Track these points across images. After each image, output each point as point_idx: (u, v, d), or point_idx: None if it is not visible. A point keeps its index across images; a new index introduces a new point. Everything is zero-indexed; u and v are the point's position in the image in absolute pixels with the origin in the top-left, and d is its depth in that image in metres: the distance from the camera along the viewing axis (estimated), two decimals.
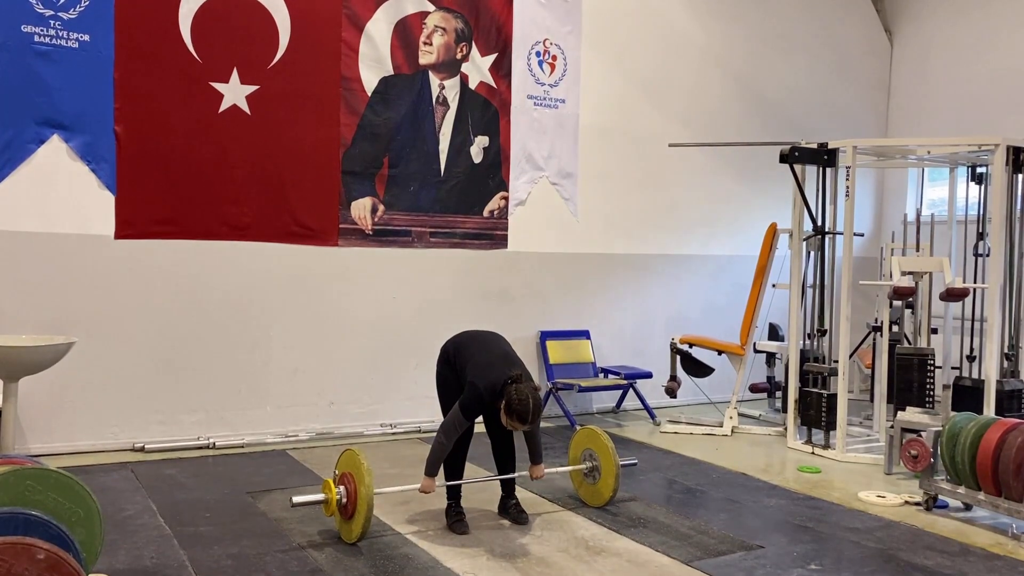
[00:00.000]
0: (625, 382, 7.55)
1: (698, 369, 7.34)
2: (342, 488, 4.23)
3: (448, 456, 4.44)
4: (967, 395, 6.29)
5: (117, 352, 5.87)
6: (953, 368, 6.77)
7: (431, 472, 4.37)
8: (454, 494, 4.59)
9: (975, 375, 6.55)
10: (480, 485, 5.11)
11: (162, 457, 5.77)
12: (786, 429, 6.76)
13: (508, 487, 4.74)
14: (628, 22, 7.92)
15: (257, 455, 5.95)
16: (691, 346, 7.33)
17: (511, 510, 4.67)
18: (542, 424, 7.17)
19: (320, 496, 4.30)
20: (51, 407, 5.66)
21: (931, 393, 6.06)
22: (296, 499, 4.28)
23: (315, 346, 6.57)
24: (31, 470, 3.08)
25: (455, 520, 4.49)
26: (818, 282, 6.53)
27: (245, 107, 6.19)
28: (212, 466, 5.63)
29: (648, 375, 7.55)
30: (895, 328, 6.59)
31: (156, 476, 5.29)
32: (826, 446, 6.33)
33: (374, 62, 6.67)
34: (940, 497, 5.01)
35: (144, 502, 4.75)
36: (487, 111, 7.19)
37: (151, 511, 4.60)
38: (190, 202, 6.04)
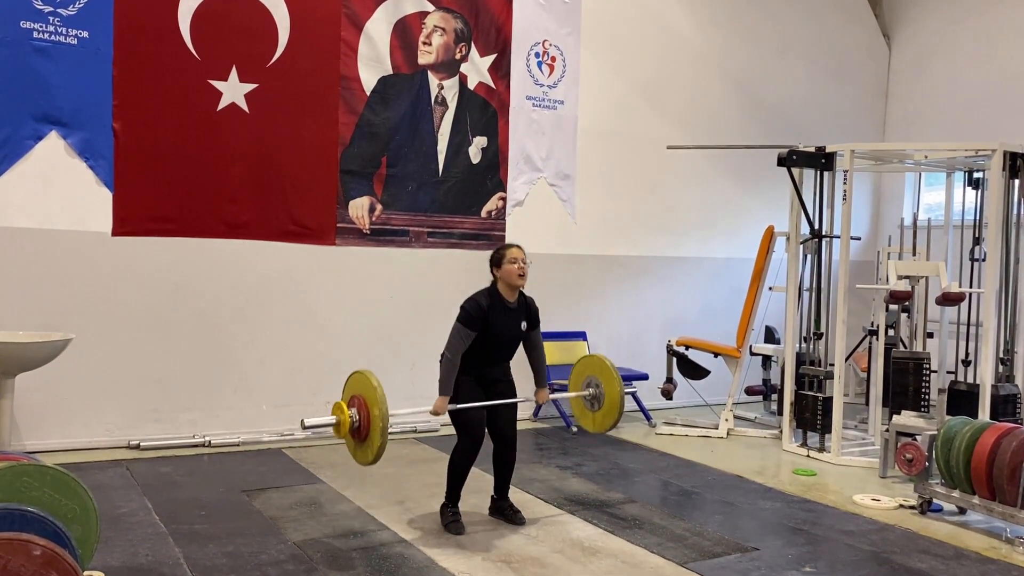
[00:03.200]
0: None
1: (694, 371, 7.34)
2: (354, 410, 4.14)
3: (455, 466, 4.46)
4: (962, 399, 6.30)
5: (113, 349, 5.86)
6: (948, 372, 6.78)
7: (445, 391, 4.36)
8: (452, 498, 4.55)
9: (970, 379, 6.56)
10: (476, 487, 5.10)
11: (158, 455, 5.77)
12: (781, 432, 6.77)
13: (502, 491, 4.72)
14: (627, 24, 7.93)
15: (253, 453, 5.95)
16: (687, 348, 7.34)
17: (507, 511, 4.66)
18: (538, 426, 7.20)
19: (332, 419, 4.20)
20: (47, 404, 5.65)
21: (926, 397, 6.07)
22: (308, 421, 4.15)
23: (311, 345, 6.57)
24: (27, 466, 3.07)
25: (451, 520, 4.49)
26: (815, 285, 6.55)
27: (244, 105, 6.18)
28: (207, 464, 5.63)
29: (644, 377, 7.55)
30: (891, 332, 6.60)
31: (151, 474, 5.29)
32: (821, 449, 6.34)
33: (373, 62, 6.67)
34: (935, 501, 5.02)
35: (139, 500, 4.75)
36: (486, 112, 7.19)
37: (146, 508, 4.60)
38: (188, 200, 6.04)
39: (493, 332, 4.43)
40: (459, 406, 4.41)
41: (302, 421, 4.18)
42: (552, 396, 4.86)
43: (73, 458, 5.48)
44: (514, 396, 4.63)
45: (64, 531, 2.87)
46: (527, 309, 4.60)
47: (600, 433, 4.88)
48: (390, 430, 5.89)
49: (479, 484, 5.08)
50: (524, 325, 4.56)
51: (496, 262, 4.49)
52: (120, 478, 5.17)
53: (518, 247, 4.52)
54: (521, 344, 4.64)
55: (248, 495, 4.94)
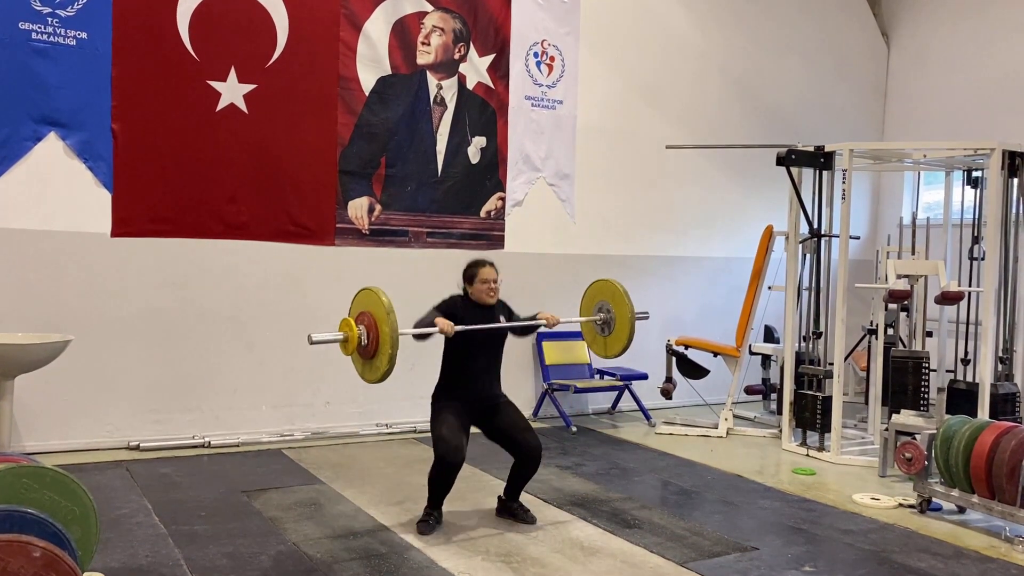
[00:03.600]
0: (621, 383, 7.56)
1: (694, 371, 7.35)
2: (362, 327, 4.10)
3: (432, 482, 4.43)
4: (961, 398, 6.31)
5: (113, 350, 5.86)
6: (948, 371, 6.79)
7: (431, 316, 4.39)
8: (433, 504, 4.50)
9: (969, 378, 6.57)
10: (476, 486, 5.11)
11: (157, 456, 5.77)
12: (781, 431, 6.77)
13: (515, 492, 4.69)
14: (626, 24, 7.93)
15: (252, 454, 5.95)
16: (687, 348, 7.35)
17: (516, 512, 4.64)
18: (538, 425, 7.20)
19: (340, 335, 4.17)
20: (46, 405, 5.65)
21: (925, 396, 6.08)
22: (315, 336, 4.11)
23: (311, 346, 6.55)
24: (27, 468, 3.07)
25: (421, 519, 4.44)
26: (814, 285, 6.55)
27: (243, 106, 6.18)
28: (207, 465, 5.63)
29: (644, 376, 7.56)
30: (890, 331, 6.61)
31: (151, 475, 5.29)
32: (821, 448, 6.34)
33: (372, 62, 6.67)
34: (934, 500, 5.03)
35: (139, 501, 4.75)
36: (485, 112, 7.19)
37: (146, 510, 4.60)
38: (187, 200, 6.04)
39: (470, 327, 4.43)
40: (462, 328, 4.37)
41: (309, 336, 4.13)
42: (563, 320, 4.74)
43: (73, 459, 5.48)
44: (517, 410, 4.62)
45: (64, 533, 2.87)
46: (503, 309, 4.65)
47: (610, 358, 4.87)
48: (386, 430, 5.90)
49: (479, 485, 5.09)
50: (503, 319, 4.59)
51: (468, 279, 4.58)
52: (120, 479, 5.17)
53: (491, 265, 4.57)
54: (518, 338, 4.63)
55: (248, 496, 4.94)
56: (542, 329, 4.81)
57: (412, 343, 6.85)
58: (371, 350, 4.10)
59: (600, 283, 5.05)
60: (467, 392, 4.51)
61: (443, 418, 4.42)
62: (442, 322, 4.33)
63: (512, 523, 4.59)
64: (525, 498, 4.87)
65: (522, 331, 4.80)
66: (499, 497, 4.74)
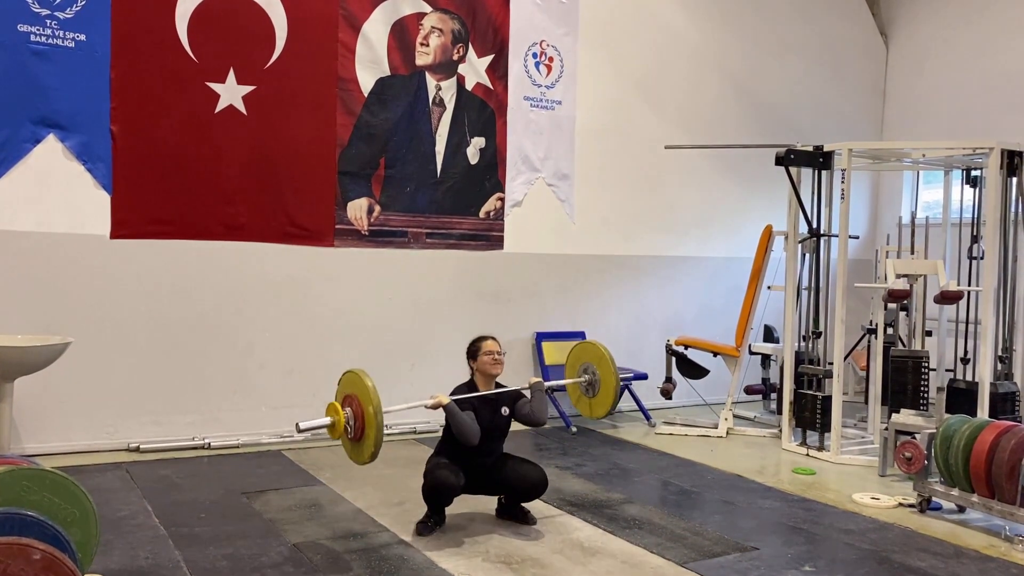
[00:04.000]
0: (620, 383, 7.55)
1: (693, 371, 7.35)
2: (348, 410, 4.15)
3: (428, 500, 4.44)
4: (961, 397, 6.31)
5: (112, 352, 5.86)
6: (947, 370, 6.79)
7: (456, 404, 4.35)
8: (437, 510, 4.51)
9: (969, 377, 6.57)
10: None
11: (157, 457, 5.77)
12: (781, 431, 6.77)
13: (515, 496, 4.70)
14: (625, 24, 7.93)
15: (252, 455, 5.95)
16: (686, 348, 7.35)
17: (516, 513, 4.64)
18: None
19: (327, 420, 4.20)
20: (46, 407, 5.65)
21: (925, 395, 6.08)
22: (303, 424, 4.15)
23: (310, 347, 6.57)
24: (27, 470, 3.07)
25: (421, 520, 4.46)
26: (813, 284, 6.55)
27: (241, 107, 6.18)
28: (207, 466, 5.63)
29: (643, 376, 7.56)
30: (890, 330, 6.61)
31: (151, 476, 5.29)
32: (821, 448, 6.34)
33: (371, 63, 6.67)
34: (934, 499, 5.03)
35: (139, 502, 4.75)
36: (483, 112, 7.19)
37: (146, 511, 4.60)
38: (186, 202, 6.03)
39: (477, 417, 4.41)
40: (459, 396, 4.41)
41: (297, 424, 4.19)
42: (548, 384, 4.84)
43: (73, 461, 5.48)
44: (516, 457, 4.64)
45: (64, 535, 2.88)
46: (510, 396, 4.60)
47: (596, 419, 4.94)
48: (386, 431, 5.90)
49: None
50: (506, 411, 4.57)
51: (472, 355, 4.59)
52: (120, 481, 5.17)
53: (492, 339, 4.59)
54: (520, 422, 4.63)
55: (248, 497, 4.94)
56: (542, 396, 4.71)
57: (411, 344, 6.88)
58: (358, 432, 4.15)
59: (584, 345, 5.14)
60: (467, 466, 4.48)
61: (439, 462, 4.44)
62: (438, 398, 4.36)
63: (512, 524, 4.59)
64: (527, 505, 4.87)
65: (525, 419, 4.61)
66: (499, 499, 4.74)
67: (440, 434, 4.69)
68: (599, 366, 4.89)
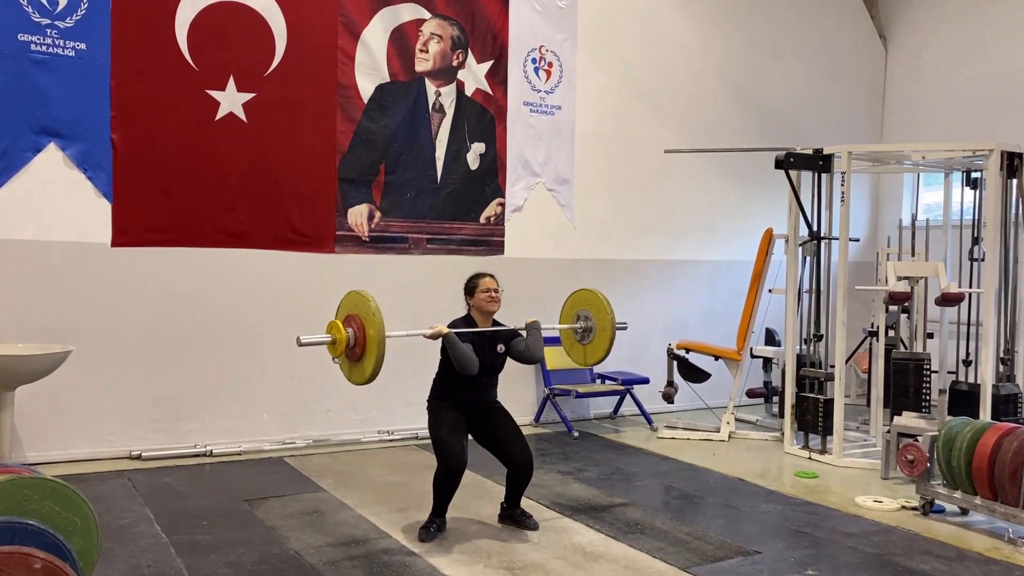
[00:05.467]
0: (622, 388, 7.56)
1: (695, 374, 7.34)
2: (350, 330, 4.13)
3: (439, 486, 4.45)
4: (963, 399, 6.30)
5: (113, 360, 5.86)
6: (949, 372, 6.78)
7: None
8: (437, 511, 4.51)
9: (971, 379, 6.56)
10: (477, 493, 5.11)
11: (159, 465, 5.77)
12: (783, 434, 6.77)
13: (514, 499, 4.69)
14: (624, 29, 7.94)
15: (254, 463, 5.95)
16: (688, 351, 7.34)
17: (518, 518, 4.65)
18: (539, 431, 7.19)
19: (328, 337, 4.19)
20: (48, 415, 5.65)
21: (927, 398, 6.07)
22: (304, 338, 4.13)
23: (312, 353, 6.54)
24: (28, 479, 3.07)
25: (423, 526, 4.46)
26: (814, 287, 6.55)
27: (241, 115, 6.19)
28: (209, 474, 5.63)
29: (645, 381, 7.55)
30: (891, 333, 6.60)
31: (153, 484, 5.29)
32: (823, 451, 6.33)
33: (370, 69, 6.68)
34: (937, 502, 5.02)
35: (141, 510, 4.75)
36: (483, 118, 7.20)
37: (148, 519, 4.60)
38: (186, 210, 6.04)
39: (475, 352, 4.43)
40: (458, 330, 4.42)
41: (298, 338, 4.15)
42: (544, 328, 4.71)
43: (75, 469, 5.49)
44: (509, 416, 4.63)
45: (65, 544, 2.87)
46: (506, 334, 4.62)
47: (589, 365, 4.91)
48: (388, 437, 5.90)
49: (480, 492, 5.09)
50: (502, 348, 4.59)
51: (469, 291, 4.62)
52: (122, 489, 5.17)
53: (491, 276, 4.62)
54: (515, 359, 4.64)
55: (250, 504, 4.94)
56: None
57: (412, 350, 6.87)
58: (358, 353, 4.13)
59: (582, 292, 5.08)
60: (461, 400, 4.53)
61: (442, 419, 4.46)
62: (432, 329, 4.36)
63: (514, 529, 4.59)
64: (526, 503, 4.87)
65: (520, 356, 4.64)
66: (501, 504, 4.74)
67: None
68: (596, 312, 4.85)
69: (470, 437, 4.57)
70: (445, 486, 4.44)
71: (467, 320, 4.61)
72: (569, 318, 5.07)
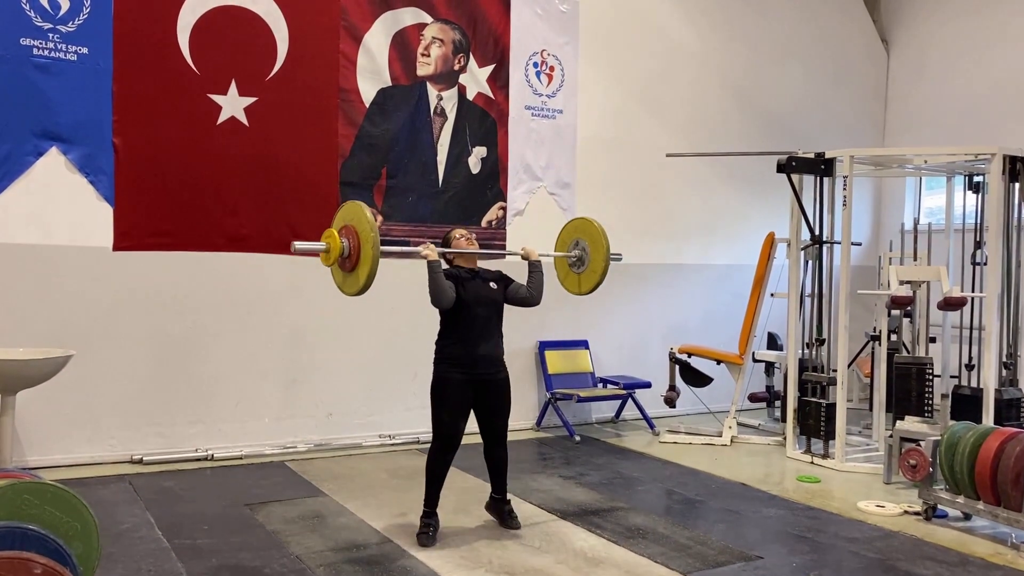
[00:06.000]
0: (624, 392, 7.55)
1: (697, 379, 7.33)
2: (345, 241, 4.13)
3: (431, 466, 4.53)
4: (966, 404, 6.29)
5: (115, 364, 5.86)
6: (952, 377, 6.76)
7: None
8: (429, 501, 4.54)
9: (974, 384, 6.55)
10: (478, 496, 5.09)
11: (160, 469, 5.76)
12: (785, 439, 6.75)
13: (500, 488, 4.72)
14: (625, 33, 7.94)
15: (255, 467, 5.94)
16: (690, 356, 7.34)
17: (503, 514, 4.69)
18: (541, 435, 7.19)
19: (322, 245, 4.20)
20: (48, 420, 5.65)
21: (930, 402, 6.06)
22: (298, 244, 4.18)
23: (313, 357, 6.57)
24: (28, 484, 3.07)
25: (422, 531, 4.46)
26: (816, 291, 6.54)
27: (243, 119, 6.20)
28: (210, 478, 5.62)
29: (647, 385, 7.54)
30: (893, 337, 6.60)
31: (154, 488, 5.28)
32: (825, 455, 6.32)
33: (372, 73, 6.69)
34: (939, 507, 5.01)
35: (142, 515, 4.74)
36: (485, 122, 7.20)
37: (149, 524, 4.59)
38: (188, 213, 6.05)
39: (466, 290, 4.49)
40: (446, 250, 4.56)
41: (293, 244, 4.20)
42: (540, 255, 4.80)
43: (76, 473, 5.48)
44: (506, 396, 4.64)
45: (65, 549, 2.87)
46: (496, 274, 4.71)
47: (583, 294, 4.99)
48: (388, 441, 5.88)
49: (483, 492, 5.07)
50: (494, 286, 4.64)
51: (446, 243, 4.75)
52: (123, 493, 5.17)
53: (460, 228, 4.82)
54: (516, 304, 4.69)
55: (251, 508, 4.93)
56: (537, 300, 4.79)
57: (413, 353, 6.87)
58: (352, 262, 4.15)
59: (578, 221, 5.12)
60: (468, 354, 4.51)
61: (446, 397, 4.48)
62: (426, 248, 4.42)
63: (515, 533, 4.58)
64: (528, 508, 4.86)
65: (523, 300, 4.70)
66: (491, 494, 4.76)
67: None
68: (591, 241, 4.89)
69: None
70: (439, 464, 4.50)
71: (455, 269, 4.65)
72: (564, 246, 5.10)
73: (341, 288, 4.32)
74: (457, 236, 4.74)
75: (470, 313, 4.48)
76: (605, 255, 4.84)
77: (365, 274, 4.06)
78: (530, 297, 4.68)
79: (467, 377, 4.49)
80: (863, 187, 9.36)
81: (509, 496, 4.77)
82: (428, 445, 6.67)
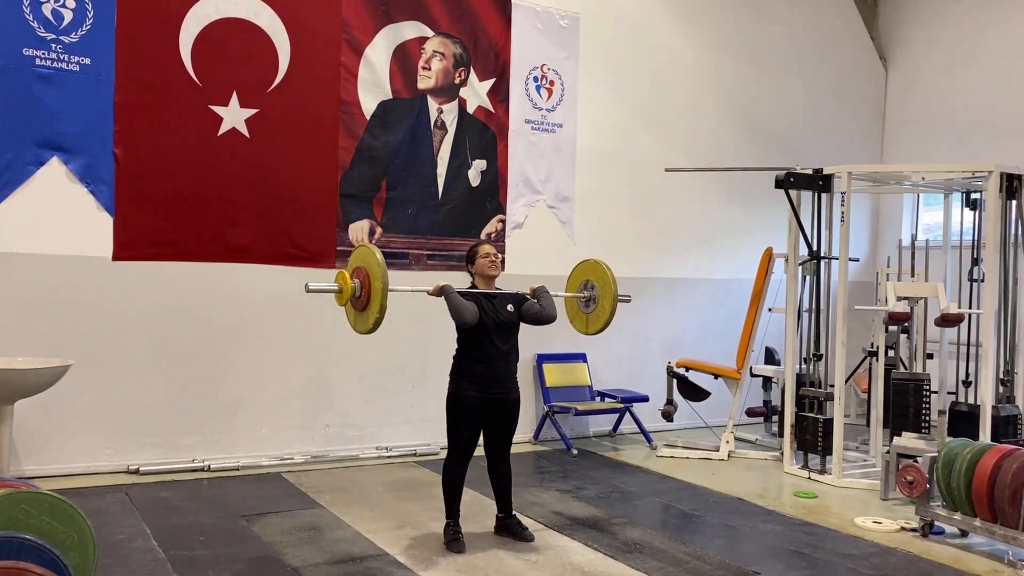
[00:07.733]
0: (621, 406, 7.55)
1: (694, 393, 7.33)
2: (357, 281, 4.37)
3: (449, 477, 4.60)
4: (963, 420, 6.29)
5: (113, 374, 5.86)
6: (949, 393, 6.77)
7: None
8: (451, 512, 4.61)
9: (971, 400, 6.55)
10: (475, 509, 5.09)
11: (157, 480, 5.75)
12: (782, 454, 6.75)
13: (506, 506, 4.74)
14: (625, 48, 7.99)
15: (252, 478, 5.93)
16: (687, 370, 7.34)
17: (514, 528, 4.70)
18: (539, 448, 7.18)
19: (335, 286, 4.43)
20: (46, 429, 5.64)
21: (927, 418, 6.06)
22: (312, 285, 4.45)
23: (311, 369, 6.56)
24: (25, 494, 3.07)
25: (451, 539, 4.52)
26: (814, 307, 6.55)
27: (244, 130, 6.22)
28: (207, 489, 5.61)
29: (644, 399, 7.54)
30: (891, 353, 6.60)
31: (150, 499, 5.27)
32: (822, 471, 6.32)
33: (373, 86, 6.72)
34: (936, 523, 5.00)
35: (138, 525, 4.73)
36: (485, 135, 7.23)
37: (145, 534, 4.58)
38: (188, 224, 6.06)
39: (484, 312, 4.56)
40: (460, 290, 4.61)
41: (307, 285, 4.46)
42: (553, 294, 4.90)
43: (72, 483, 5.47)
44: (517, 415, 4.72)
45: (61, 559, 2.87)
46: (511, 295, 4.75)
47: (590, 334, 5.20)
48: (386, 453, 5.90)
49: (478, 508, 5.07)
50: (511, 308, 4.68)
51: (471, 259, 4.78)
52: (119, 503, 5.16)
53: (489, 244, 4.84)
54: (530, 322, 4.73)
55: (247, 520, 4.92)
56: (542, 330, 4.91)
57: (412, 365, 6.87)
58: (363, 302, 4.37)
59: (588, 263, 5.25)
60: (485, 374, 4.58)
61: (464, 414, 4.54)
62: (435, 287, 4.57)
63: (512, 547, 4.57)
64: (526, 522, 4.85)
65: (536, 317, 4.74)
66: (497, 516, 4.76)
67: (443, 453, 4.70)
68: (600, 283, 5.07)
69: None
70: (456, 476, 4.59)
71: (472, 288, 4.74)
72: (575, 286, 5.28)
73: (354, 327, 4.52)
74: (483, 255, 4.74)
75: (488, 334, 4.55)
76: (613, 298, 4.98)
77: (374, 315, 4.28)
78: (543, 311, 4.72)
79: (483, 395, 4.55)
80: (861, 203, 9.39)
81: (515, 513, 4.80)
82: (425, 458, 6.67)
